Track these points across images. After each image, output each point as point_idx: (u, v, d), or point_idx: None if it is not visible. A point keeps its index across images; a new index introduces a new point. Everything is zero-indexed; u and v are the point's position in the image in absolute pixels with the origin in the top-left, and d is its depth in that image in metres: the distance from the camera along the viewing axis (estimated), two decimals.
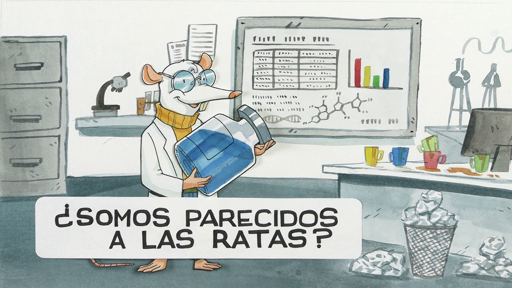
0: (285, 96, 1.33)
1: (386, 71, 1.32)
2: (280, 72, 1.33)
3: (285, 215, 1.34)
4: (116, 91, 1.32)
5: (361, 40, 1.31)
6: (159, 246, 1.33)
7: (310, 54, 1.31)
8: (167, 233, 1.33)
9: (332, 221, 1.34)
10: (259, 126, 1.30)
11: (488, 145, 1.34)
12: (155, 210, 1.33)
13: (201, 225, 1.34)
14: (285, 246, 1.34)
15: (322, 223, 1.34)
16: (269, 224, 1.34)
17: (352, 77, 1.34)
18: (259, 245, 1.34)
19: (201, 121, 1.33)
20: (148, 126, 1.32)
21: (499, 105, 1.33)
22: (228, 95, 1.30)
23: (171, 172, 1.33)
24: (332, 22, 1.30)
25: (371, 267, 1.35)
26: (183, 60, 1.31)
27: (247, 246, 1.34)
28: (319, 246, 1.34)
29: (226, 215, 1.33)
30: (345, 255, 1.34)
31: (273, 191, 1.34)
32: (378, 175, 1.35)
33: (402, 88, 1.33)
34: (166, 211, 1.33)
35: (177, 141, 1.32)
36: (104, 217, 1.33)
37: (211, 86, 1.31)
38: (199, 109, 1.33)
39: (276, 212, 1.34)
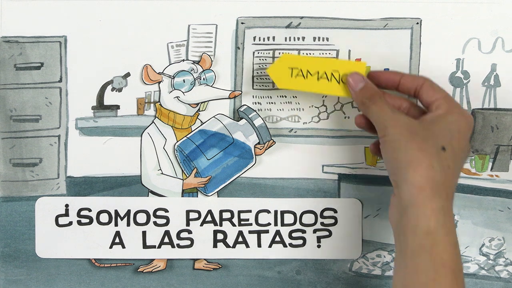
0: (285, 96, 1.33)
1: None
2: None
3: (285, 215, 1.34)
4: (116, 91, 1.32)
5: (361, 40, 1.31)
6: (159, 246, 1.33)
7: (310, 54, 1.31)
8: (167, 233, 1.33)
9: (332, 221, 1.34)
10: (259, 126, 1.30)
11: (488, 145, 1.34)
12: (155, 210, 1.33)
13: (201, 225, 1.34)
14: (285, 246, 1.34)
15: (322, 223, 1.34)
16: (269, 224, 1.34)
17: None
18: (259, 245, 1.34)
19: (201, 121, 1.33)
20: (148, 126, 1.32)
21: (499, 105, 1.33)
22: (228, 95, 1.30)
23: (171, 172, 1.33)
24: (332, 22, 1.30)
25: (371, 267, 1.35)
26: (183, 60, 1.31)
27: (247, 246, 1.34)
28: (319, 246, 1.34)
29: (226, 215, 1.33)
30: (345, 255, 1.34)
31: (273, 191, 1.34)
32: (378, 175, 1.35)
33: None
34: (166, 211, 1.33)
35: (177, 141, 1.32)
36: (104, 217, 1.33)
37: (211, 86, 1.31)
38: (199, 109, 1.33)
39: (276, 212, 1.34)
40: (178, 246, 1.34)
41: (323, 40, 1.32)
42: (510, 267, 1.36)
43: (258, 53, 1.32)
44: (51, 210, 1.33)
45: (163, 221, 1.33)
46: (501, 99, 1.33)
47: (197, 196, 1.34)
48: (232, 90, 1.32)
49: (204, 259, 1.35)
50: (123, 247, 1.33)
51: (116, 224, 1.33)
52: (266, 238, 1.34)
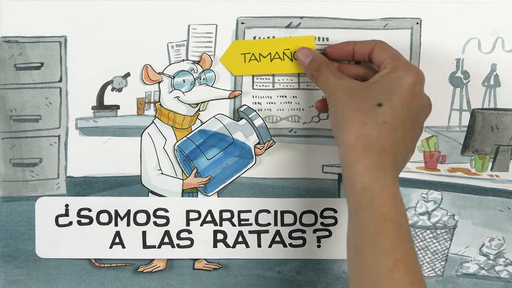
0: (285, 96, 1.33)
1: None
2: None
3: (285, 215, 1.34)
4: (116, 91, 1.32)
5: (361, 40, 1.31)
6: (159, 246, 1.33)
7: None
8: (167, 233, 1.33)
9: (332, 221, 1.34)
10: (259, 126, 1.30)
11: (488, 145, 1.34)
12: (155, 210, 1.33)
13: (201, 225, 1.34)
14: (285, 246, 1.34)
15: (322, 223, 1.34)
16: (269, 224, 1.34)
17: None
18: (259, 245, 1.34)
19: (201, 121, 1.33)
20: (148, 126, 1.32)
21: (499, 105, 1.33)
22: (228, 95, 1.30)
23: (171, 172, 1.33)
24: (332, 22, 1.30)
25: None
26: (183, 60, 1.31)
27: (247, 246, 1.34)
28: (319, 246, 1.34)
29: (226, 215, 1.33)
30: (345, 255, 1.34)
31: (273, 191, 1.34)
32: None
33: None
34: (166, 211, 1.33)
35: (177, 141, 1.32)
36: (104, 217, 1.33)
37: (211, 86, 1.31)
38: (199, 109, 1.33)
39: (276, 212, 1.34)
40: (178, 246, 1.34)
41: (323, 40, 1.32)
42: (510, 267, 1.36)
43: None
44: (51, 210, 1.33)
45: (163, 221, 1.33)
46: (501, 99, 1.33)
47: (197, 196, 1.34)
48: (232, 90, 1.32)
49: (204, 259, 1.35)
50: (123, 247, 1.33)
51: (116, 224, 1.33)
52: (266, 238, 1.34)
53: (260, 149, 1.32)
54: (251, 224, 1.34)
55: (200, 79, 1.30)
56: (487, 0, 1.30)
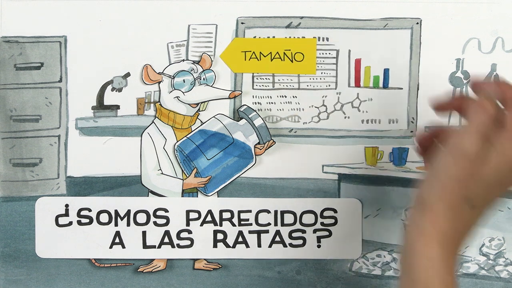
0: (285, 96, 1.33)
1: (386, 71, 1.32)
2: None
3: (285, 215, 1.34)
4: (116, 91, 1.32)
5: (361, 40, 1.31)
6: (159, 246, 1.33)
7: None
8: (167, 233, 1.33)
9: (332, 221, 1.34)
10: (259, 126, 1.30)
11: None
12: (155, 210, 1.33)
13: (201, 225, 1.34)
14: (285, 246, 1.34)
15: (322, 223, 1.34)
16: (269, 224, 1.34)
17: (352, 77, 1.34)
18: (259, 245, 1.34)
19: (201, 121, 1.33)
20: (148, 126, 1.32)
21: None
22: (228, 95, 1.30)
23: (171, 172, 1.33)
24: (332, 22, 1.30)
25: (371, 267, 1.35)
26: (183, 60, 1.31)
27: (247, 246, 1.34)
28: (319, 246, 1.34)
29: (226, 215, 1.33)
30: (345, 255, 1.34)
31: (273, 191, 1.34)
32: (378, 175, 1.35)
33: (402, 88, 1.33)
34: (166, 211, 1.33)
35: (177, 141, 1.32)
36: (104, 217, 1.33)
37: (211, 86, 1.31)
38: (199, 109, 1.33)
39: (276, 212, 1.34)
40: (178, 246, 1.34)
41: (323, 40, 1.32)
42: (510, 267, 1.36)
43: None
44: (51, 210, 1.33)
45: (163, 221, 1.33)
46: None
47: (197, 196, 1.34)
48: (232, 90, 1.32)
49: (204, 259, 1.35)
50: (123, 247, 1.33)
51: (116, 224, 1.33)
52: (266, 238, 1.34)
53: (260, 149, 1.32)
54: (251, 224, 1.34)
55: (200, 79, 1.30)
56: (487, 0, 1.30)
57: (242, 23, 1.31)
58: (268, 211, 1.34)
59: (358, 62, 1.33)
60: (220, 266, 1.35)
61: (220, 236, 1.34)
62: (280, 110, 1.34)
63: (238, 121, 1.32)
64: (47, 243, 1.33)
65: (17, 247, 1.34)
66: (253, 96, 1.34)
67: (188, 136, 1.32)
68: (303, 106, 1.34)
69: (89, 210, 1.33)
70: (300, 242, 1.34)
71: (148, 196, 1.33)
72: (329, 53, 1.33)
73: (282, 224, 1.34)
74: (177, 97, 1.30)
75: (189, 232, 1.34)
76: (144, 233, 1.33)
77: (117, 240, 1.33)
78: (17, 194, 1.34)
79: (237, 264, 1.35)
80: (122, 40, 1.30)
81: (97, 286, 1.34)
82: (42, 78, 1.32)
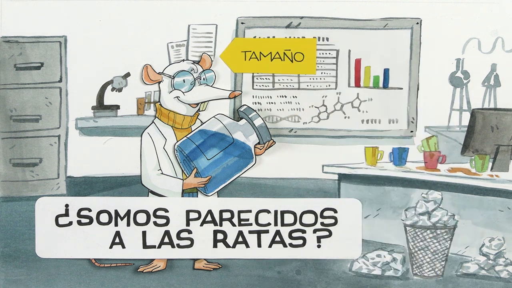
0: (285, 96, 1.33)
1: (386, 71, 1.33)
2: None
3: (285, 215, 1.34)
4: (116, 91, 1.32)
5: (361, 40, 1.31)
6: (159, 246, 1.33)
7: None
8: (167, 233, 1.33)
9: (332, 221, 1.34)
10: (259, 126, 1.30)
11: (488, 145, 1.34)
12: (155, 210, 1.33)
13: (201, 225, 1.34)
14: (285, 246, 1.34)
15: (322, 223, 1.34)
16: (269, 224, 1.34)
17: (352, 77, 1.34)
18: (259, 245, 1.34)
19: (201, 121, 1.33)
20: (148, 126, 1.32)
21: (499, 105, 1.33)
22: (228, 95, 1.30)
23: (171, 172, 1.33)
24: (332, 22, 1.30)
25: (371, 267, 1.35)
26: (183, 60, 1.31)
27: (247, 246, 1.34)
28: (319, 246, 1.34)
29: (226, 215, 1.33)
30: (345, 255, 1.34)
31: (273, 191, 1.34)
32: (378, 175, 1.35)
33: (402, 88, 1.33)
34: (166, 211, 1.33)
35: (177, 141, 1.32)
36: (104, 217, 1.33)
37: (211, 86, 1.31)
38: (199, 109, 1.33)
39: (276, 212, 1.34)
40: (178, 246, 1.34)
41: (323, 40, 1.32)
42: (510, 267, 1.36)
43: None
44: (51, 210, 1.33)
45: (163, 221, 1.33)
46: (501, 99, 1.33)
47: (197, 196, 1.34)
48: (232, 90, 1.32)
49: (204, 259, 1.35)
50: (123, 247, 1.33)
51: (116, 224, 1.33)
52: (266, 238, 1.34)
53: (260, 149, 1.32)
54: (251, 224, 1.34)
55: (200, 79, 1.30)
56: (487, 0, 1.30)
57: (242, 23, 1.31)
58: (268, 211, 1.34)
59: (358, 62, 1.33)
60: (220, 266, 1.35)
61: (220, 236, 1.34)
62: (280, 110, 1.34)
63: (238, 121, 1.32)
64: (47, 243, 1.33)
65: (17, 247, 1.34)
66: (253, 96, 1.34)
67: (188, 136, 1.32)
68: (303, 106, 1.34)
69: (89, 210, 1.33)
70: (300, 242, 1.34)
71: (148, 196, 1.33)
72: (329, 53, 1.33)
73: (282, 224, 1.34)
74: (177, 97, 1.30)
75: (189, 232, 1.34)
76: (144, 233, 1.33)
77: (117, 240, 1.33)
78: (17, 194, 1.34)
79: (237, 264, 1.35)
80: (122, 40, 1.30)
81: (97, 286, 1.34)
82: (42, 78, 1.32)
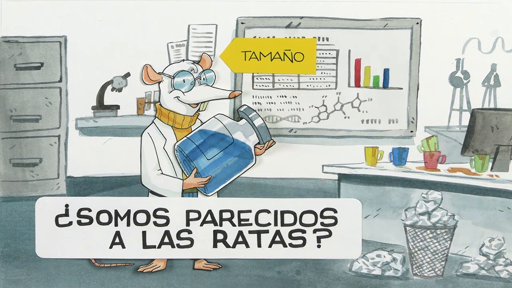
0: (285, 96, 1.33)
1: (386, 71, 1.33)
2: None
3: (285, 215, 1.34)
4: (116, 91, 1.32)
5: (361, 40, 1.31)
6: (159, 246, 1.33)
7: None
8: (167, 233, 1.33)
9: (332, 221, 1.34)
10: (259, 126, 1.30)
11: (488, 145, 1.34)
12: (155, 210, 1.33)
13: (201, 225, 1.34)
14: (285, 246, 1.34)
15: (322, 223, 1.34)
16: (269, 224, 1.34)
17: (352, 77, 1.34)
18: (259, 245, 1.34)
19: (201, 121, 1.33)
20: (148, 126, 1.32)
21: (499, 105, 1.33)
22: (228, 95, 1.30)
23: (171, 172, 1.33)
24: (332, 22, 1.30)
25: (371, 267, 1.35)
26: (183, 60, 1.31)
27: (247, 246, 1.34)
28: (319, 246, 1.34)
29: (226, 215, 1.33)
30: (345, 255, 1.34)
31: (273, 191, 1.34)
32: (378, 175, 1.35)
33: (402, 88, 1.34)
34: (166, 211, 1.33)
35: (177, 141, 1.32)
36: (104, 217, 1.33)
37: (211, 86, 1.31)
38: (199, 109, 1.33)
39: (276, 212, 1.34)
40: (178, 246, 1.34)
41: (323, 40, 1.32)
42: (510, 267, 1.36)
43: None
44: (51, 210, 1.33)
45: (163, 221, 1.33)
46: (501, 99, 1.33)
47: (197, 196, 1.34)
48: (232, 90, 1.32)
49: (204, 259, 1.35)
50: (123, 247, 1.33)
51: (116, 224, 1.33)
52: (266, 238, 1.34)
53: (260, 149, 1.32)
54: (251, 224, 1.34)
55: (200, 79, 1.30)
56: (487, 0, 1.30)
57: (242, 23, 1.31)
58: (268, 211, 1.34)
59: (358, 62, 1.33)
60: (220, 266, 1.35)
61: (220, 236, 1.34)
62: (280, 110, 1.34)
63: (238, 121, 1.32)
64: (47, 243, 1.33)
65: (17, 247, 1.34)
66: (253, 96, 1.34)
67: (188, 136, 1.32)
68: (303, 106, 1.34)
69: (89, 210, 1.33)
70: (300, 242, 1.34)
71: (148, 196, 1.33)
72: (329, 53, 1.33)
73: (282, 224, 1.34)
74: (177, 97, 1.30)
75: (189, 232, 1.34)
76: (144, 233, 1.33)
77: (117, 240, 1.33)
78: (17, 194, 1.34)
79: (237, 264, 1.35)
80: (122, 40, 1.30)
81: (97, 286, 1.34)
82: (42, 78, 1.32)
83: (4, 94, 1.32)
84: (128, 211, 1.33)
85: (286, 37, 1.29)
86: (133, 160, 1.33)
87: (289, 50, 1.24)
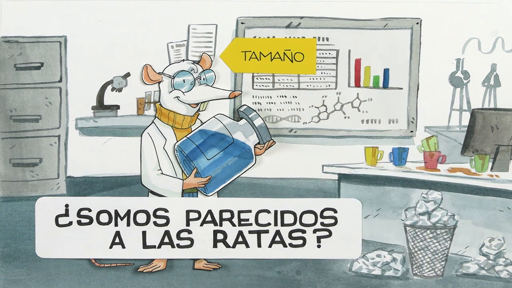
0: (285, 96, 1.33)
1: (386, 71, 1.33)
2: None
3: (285, 215, 1.34)
4: (116, 91, 1.32)
5: (361, 40, 1.31)
6: (159, 246, 1.33)
7: None
8: (167, 233, 1.33)
9: (332, 221, 1.34)
10: (259, 126, 1.30)
11: (488, 145, 1.34)
12: (155, 210, 1.33)
13: (201, 225, 1.34)
14: (285, 246, 1.34)
15: (322, 223, 1.34)
16: (269, 224, 1.34)
17: (352, 77, 1.34)
18: (259, 245, 1.34)
19: (201, 121, 1.33)
20: (148, 126, 1.32)
21: (499, 105, 1.33)
22: (228, 95, 1.30)
23: (171, 172, 1.33)
24: (332, 22, 1.30)
25: (371, 267, 1.35)
26: (183, 60, 1.31)
27: (247, 246, 1.34)
28: (319, 246, 1.34)
29: (226, 215, 1.33)
30: (345, 255, 1.34)
31: (273, 191, 1.34)
32: (378, 175, 1.35)
33: (402, 88, 1.34)
34: (166, 211, 1.33)
35: (177, 141, 1.32)
36: (104, 217, 1.33)
37: (211, 86, 1.31)
38: (199, 109, 1.33)
39: (276, 212, 1.34)
40: (178, 246, 1.34)
41: (323, 40, 1.32)
42: (510, 267, 1.36)
43: None
44: (51, 210, 1.33)
45: (163, 221, 1.33)
46: (501, 99, 1.33)
47: (197, 196, 1.34)
48: (232, 90, 1.32)
49: (204, 259, 1.35)
50: (123, 247, 1.33)
51: (116, 224, 1.33)
52: (266, 238, 1.34)
53: (260, 149, 1.32)
54: (251, 224, 1.34)
55: (200, 79, 1.30)
56: (487, 0, 1.30)
57: (242, 23, 1.31)
58: (268, 211, 1.34)
59: (358, 62, 1.33)
60: (220, 266, 1.35)
61: (220, 236, 1.34)
62: (280, 110, 1.34)
63: (238, 121, 1.32)
64: (47, 243, 1.33)
65: (17, 247, 1.34)
66: (253, 96, 1.34)
67: (188, 136, 1.32)
68: (303, 106, 1.34)
69: (89, 210, 1.33)
70: (300, 242, 1.34)
71: (148, 196, 1.33)
72: (329, 53, 1.33)
73: (282, 224, 1.34)
74: (177, 97, 1.30)
75: (189, 232, 1.34)
76: (144, 233, 1.33)
77: (117, 240, 1.33)
78: (17, 194, 1.34)
79: (237, 264, 1.35)
80: (122, 40, 1.30)
81: (97, 286, 1.34)
82: (42, 78, 1.32)
83: (4, 94, 1.31)
84: (128, 211, 1.33)
85: (286, 37, 1.29)
86: (133, 160, 1.33)
87: (289, 50, 1.24)
